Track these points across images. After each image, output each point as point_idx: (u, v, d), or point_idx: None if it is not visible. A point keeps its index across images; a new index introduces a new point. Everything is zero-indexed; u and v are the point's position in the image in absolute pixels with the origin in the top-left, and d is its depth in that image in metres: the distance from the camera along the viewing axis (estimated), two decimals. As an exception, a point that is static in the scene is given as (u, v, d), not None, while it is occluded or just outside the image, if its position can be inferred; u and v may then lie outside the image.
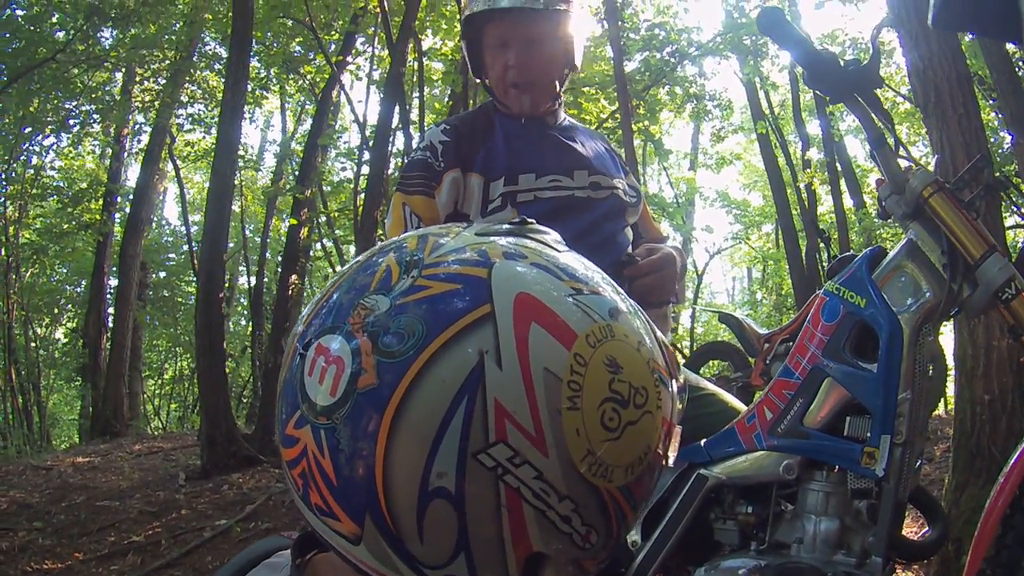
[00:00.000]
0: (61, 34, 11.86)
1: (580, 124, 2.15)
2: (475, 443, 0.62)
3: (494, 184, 1.88)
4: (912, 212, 1.65)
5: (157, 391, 19.16)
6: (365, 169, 10.26)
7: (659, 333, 0.79)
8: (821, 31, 14.48)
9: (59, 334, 17.36)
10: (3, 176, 13.85)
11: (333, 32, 11.50)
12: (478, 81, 2.04)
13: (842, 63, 1.64)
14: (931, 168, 1.71)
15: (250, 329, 15.10)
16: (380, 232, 7.68)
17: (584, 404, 0.64)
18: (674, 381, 0.75)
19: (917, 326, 1.62)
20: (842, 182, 13.47)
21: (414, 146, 2.07)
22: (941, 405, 6.56)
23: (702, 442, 1.86)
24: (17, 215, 14.49)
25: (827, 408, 1.68)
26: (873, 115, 1.67)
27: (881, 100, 1.68)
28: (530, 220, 0.77)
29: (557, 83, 1.98)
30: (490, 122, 1.99)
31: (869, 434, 1.63)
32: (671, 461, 0.76)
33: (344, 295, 0.69)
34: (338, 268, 10.80)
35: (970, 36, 6.31)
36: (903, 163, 1.72)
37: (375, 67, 11.66)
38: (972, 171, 1.77)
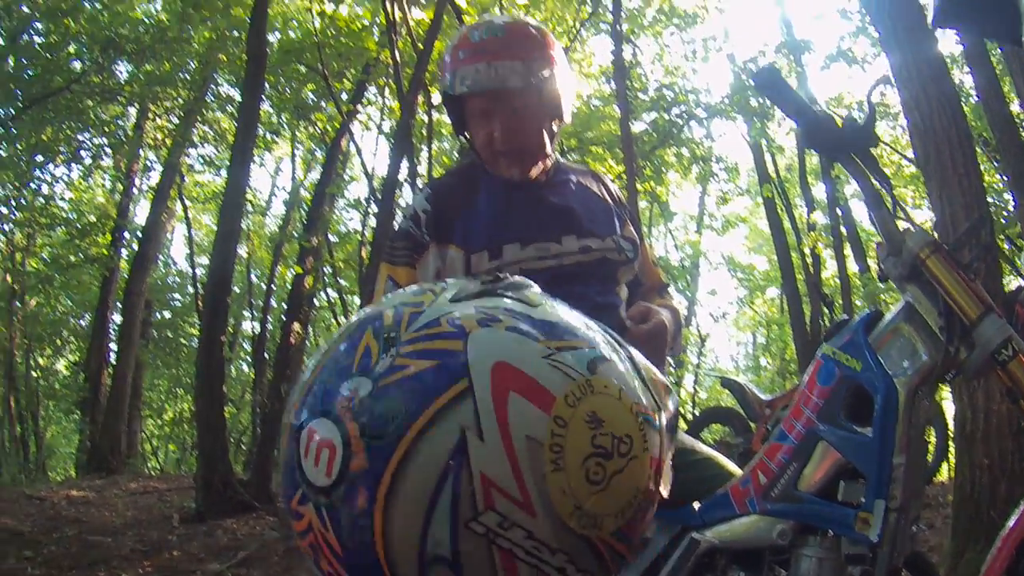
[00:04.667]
0: (77, 64, 12.03)
1: (574, 168, 2.06)
2: (465, 513, 0.65)
3: (476, 256, 1.80)
4: (909, 274, 1.64)
5: (156, 431, 19.04)
6: (372, 220, 10.27)
7: (643, 361, 0.77)
8: (828, 94, 14.63)
9: (60, 365, 17.32)
10: (13, 203, 13.95)
11: (345, 80, 11.63)
12: (463, 139, 1.94)
13: (838, 122, 1.64)
14: (931, 228, 1.70)
15: (252, 375, 15.05)
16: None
17: (567, 464, 0.66)
18: (663, 413, 0.77)
19: (913, 389, 1.59)
20: (847, 246, 13.50)
21: (400, 213, 2.01)
22: (944, 470, 6.45)
23: (696, 505, 1.82)
24: (25, 243, 14.61)
25: (821, 472, 1.64)
26: (870, 175, 1.66)
27: (878, 159, 1.67)
28: (503, 275, 0.79)
29: (548, 142, 1.89)
30: (474, 186, 1.90)
31: (863, 499, 1.59)
32: (665, 492, 0.78)
33: (328, 377, 0.71)
34: (342, 320, 10.78)
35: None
36: (902, 224, 1.71)
37: (385, 118, 11.78)
38: (970, 231, 1.75)
